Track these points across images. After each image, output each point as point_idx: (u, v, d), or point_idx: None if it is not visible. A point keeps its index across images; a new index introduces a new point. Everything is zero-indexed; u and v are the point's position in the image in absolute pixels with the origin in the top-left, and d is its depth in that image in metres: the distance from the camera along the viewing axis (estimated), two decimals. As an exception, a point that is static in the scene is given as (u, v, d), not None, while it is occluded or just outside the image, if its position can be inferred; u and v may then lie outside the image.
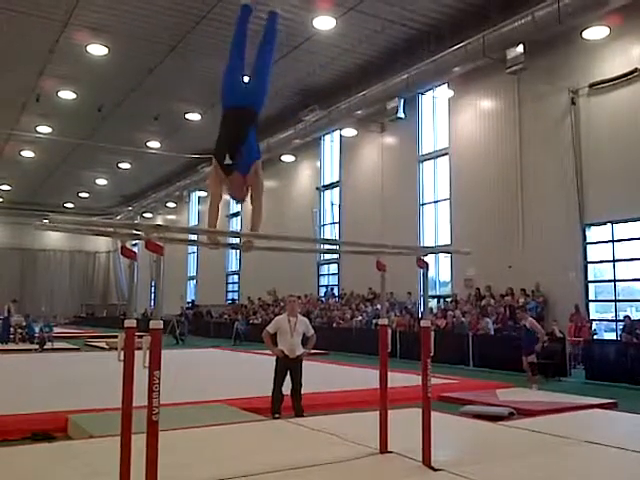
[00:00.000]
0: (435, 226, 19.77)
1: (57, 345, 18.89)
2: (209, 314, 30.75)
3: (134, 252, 4.12)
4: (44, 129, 25.86)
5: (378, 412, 5.48)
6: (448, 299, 18.53)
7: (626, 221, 14.48)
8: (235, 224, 30.64)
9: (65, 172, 33.15)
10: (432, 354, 5.27)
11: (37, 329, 19.68)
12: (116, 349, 3.86)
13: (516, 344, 11.64)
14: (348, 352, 17.17)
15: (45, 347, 18.16)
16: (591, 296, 15.36)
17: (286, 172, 26.53)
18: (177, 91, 21.82)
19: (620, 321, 14.32)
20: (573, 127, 15.27)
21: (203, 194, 33.29)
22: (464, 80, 17.40)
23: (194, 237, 5.77)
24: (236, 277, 31.86)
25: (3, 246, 42.49)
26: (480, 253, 14.70)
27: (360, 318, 19.54)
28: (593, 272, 15.49)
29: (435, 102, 19.90)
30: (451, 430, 6.67)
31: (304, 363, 7.58)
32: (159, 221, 37.17)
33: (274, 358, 7.54)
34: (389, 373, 5.55)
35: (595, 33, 14.31)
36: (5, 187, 37.38)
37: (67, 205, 40.82)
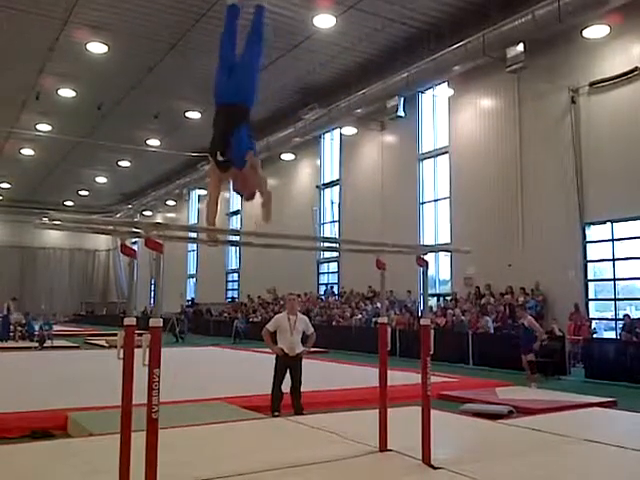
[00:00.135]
0: (435, 224, 19.77)
1: (57, 343, 18.90)
2: (209, 312, 30.75)
3: (134, 250, 4.13)
4: (44, 127, 25.86)
5: (378, 410, 5.48)
6: (448, 297, 18.53)
7: (626, 220, 14.47)
8: (235, 222, 30.65)
9: (65, 170, 33.15)
10: (432, 352, 5.28)
11: (37, 327, 19.70)
12: (116, 347, 3.87)
13: (515, 343, 11.64)
14: (348, 350, 17.18)
15: (45, 345, 18.16)
16: (591, 295, 15.36)
17: (286, 170, 26.52)
18: (177, 89, 21.80)
19: (620, 320, 14.32)
20: (573, 126, 15.26)
21: (203, 192, 33.27)
22: (464, 79, 17.40)
23: (194, 235, 5.76)
24: (236, 275, 31.86)
25: (3, 244, 42.48)
26: (480, 252, 14.69)
27: (360, 316, 19.54)
28: (593, 271, 15.49)
29: (435, 101, 19.89)
30: (451, 428, 6.67)
31: (304, 361, 7.59)
32: (159, 219, 37.10)
33: (274, 356, 7.55)
34: (389, 371, 5.55)
35: (595, 32, 14.30)
36: (5, 185, 37.36)
37: (67, 203, 40.82)
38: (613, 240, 14.82)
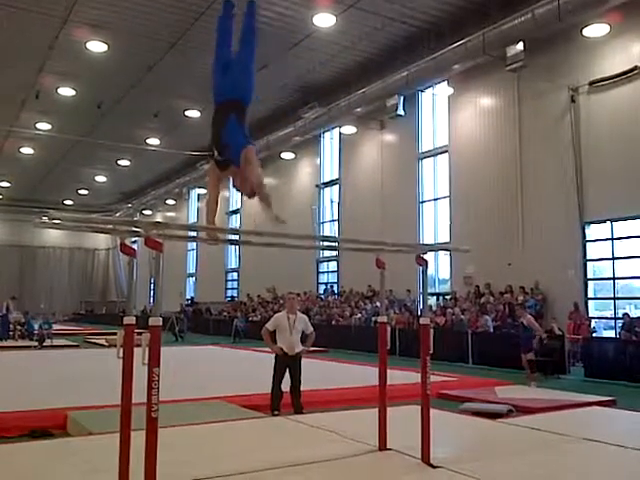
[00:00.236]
0: (434, 224, 19.77)
1: (56, 342, 18.90)
2: (208, 311, 30.75)
3: (133, 249, 4.13)
4: (43, 126, 25.85)
5: (377, 409, 5.49)
6: (447, 297, 18.53)
7: (626, 219, 14.47)
8: (235, 221, 30.65)
9: (64, 169, 33.14)
10: (431, 352, 5.28)
11: (36, 326, 19.71)
12: (115, 346, 3.87)
13: (515, 342, 11.64)
14: (347, 349, 17.19)
15: (44, 344, 18.15)
16: (590, 294, 15.36)
17: (286, 169, 26.53)
18: (177, 88, 21.79)
19: (619, 319, 14.32)
20: (573, 125, 15.25)
21: (202, 191, 33.28)
22: (464, 77, 17.39)
23: (193, 234, 5.76)
24: (235, 274, 31.86)
25: (2, 243, 42.48)
26: (479, 251, 14.71)
27: (359, 316, 19.54)
28: (592, 270, 15.48)
29: (435, 99, 19.88)
30: (450, 427, 6.67)
31: (303, 360, 7.59)
32: (158, 218, 37.08)
33: (273, 355, 7.55)
34: (388, 370, 5.55)
35: (595, 31, 14.29)
36: (4, 184, 37.34)
37: (66, 202, 40.82)
38: (613, 239, 14.82)
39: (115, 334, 3.96)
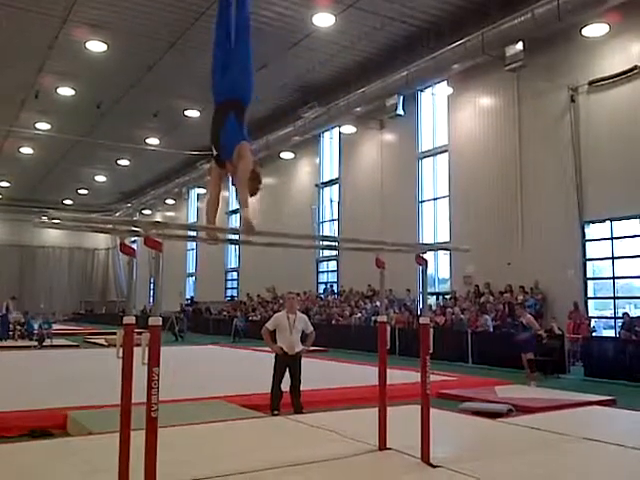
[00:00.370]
0: (434, 223, 19.77)
1: (56, 342, 18.91)
2: (208, 311, 30.75)
3: (133, 249, 4.12)
4: (43, 126, 25.84)
5: (377, 409, 5.48)
6: (447, 296, 18.53)
7: (625, 218, 14.48)
8: (234, 221, 30.62)
9: (64, 169, 33.12)
10: (431, 351, 5.28)
11: (36, 326, 19.70)
12: (115, 346, 3.87)
13: (515, 341, 11.63)
14: (347, 349, 17.19)
15: (44, 344, 18.15)
16: (590, 293, 15.36)
17: (285, 169, 26.52)
18: (176, 88, 21.78)
19: (619, 318, 14.33)
20: (572, 125, 15.25)
21: (202, 191, 33.28)
22: (463, 77, 17.39)
23: (193, 233, 5.75)
24: (235, 274, 31.86)
25: (2, 243, 42.45)
26: (479, 250, 14.71)
27: (359, 315, 19.54)
28: (592, 269, 15.49)
29: (434, 99, 19.88)
30: (450, 427, 6.67)
31: (303, 360, 7.59)
32: (158, 218, 37.08)
33: (273, 355, 7.54)
34: (388, 370, 5.55)
35: (595, 30, 14.30)
36: (4, 184, 37.32)
37: (66, 202, 40.80)
38: (612, 238, 14.82)
39: (115, 334, 3.96)
